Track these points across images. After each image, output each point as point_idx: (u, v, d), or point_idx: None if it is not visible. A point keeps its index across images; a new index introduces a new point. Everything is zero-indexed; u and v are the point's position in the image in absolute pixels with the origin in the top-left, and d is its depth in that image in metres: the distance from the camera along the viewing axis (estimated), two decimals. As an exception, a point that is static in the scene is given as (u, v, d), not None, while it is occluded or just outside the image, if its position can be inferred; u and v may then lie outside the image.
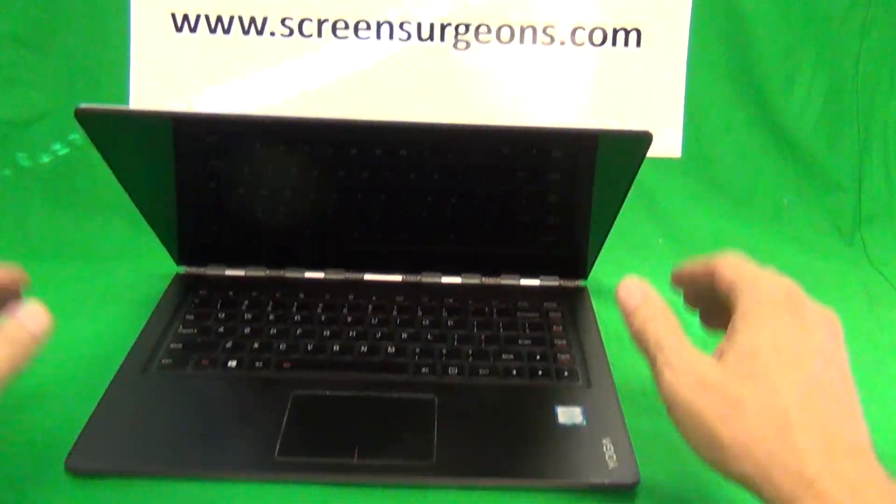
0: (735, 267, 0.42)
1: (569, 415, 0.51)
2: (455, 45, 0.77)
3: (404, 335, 0.59)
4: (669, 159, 0.80)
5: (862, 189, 0.83)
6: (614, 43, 0.77)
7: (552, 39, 0.77)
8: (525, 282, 0.68)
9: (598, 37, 0.77)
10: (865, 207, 0.83)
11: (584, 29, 0.77)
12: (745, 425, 0.35)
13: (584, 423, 0.51)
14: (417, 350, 0.58)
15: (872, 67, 0.82)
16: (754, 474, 0.35)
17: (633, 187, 0.57)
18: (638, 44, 0.77)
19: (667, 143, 0.79)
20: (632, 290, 0.43)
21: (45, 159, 0.77)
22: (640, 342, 0.42)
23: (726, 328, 0.40)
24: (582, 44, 0.77)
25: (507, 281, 0.68)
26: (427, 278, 0.68)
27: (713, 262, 0.44)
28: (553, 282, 0.68)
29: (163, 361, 0.55)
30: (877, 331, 0.69)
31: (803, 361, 0.37)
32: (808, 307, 0.40)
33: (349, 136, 0.60)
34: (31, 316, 0.40)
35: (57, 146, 0.77)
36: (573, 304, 0.65)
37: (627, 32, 0.77)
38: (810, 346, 0.38)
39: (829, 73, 0.82)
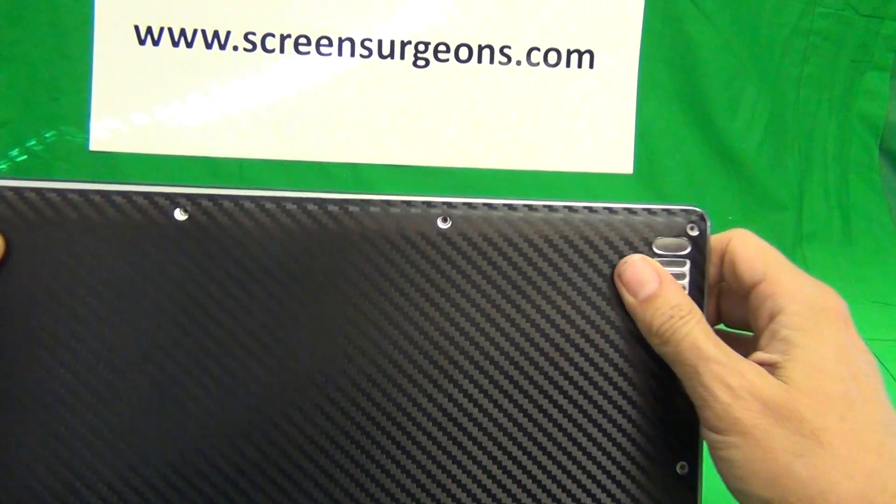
0: (762, 253, 0.32)
1: None
2: (414, 63, 0.78)
3: None
4: (621, 175, 0.83)
5: (803, 208, 0.87)
6: (568, 64, 0.80)
7: (509, 59, 0.79)
8: None
9: (552, 58, 0.80)
10: (806, 225, 0.87)
11: (539, 50, 0.79)
12: (828, 463, 0.28)
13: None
14: None
15: (812, 93, 0.86)
16: None
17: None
18: (591, 65, 0.80)
19: (619, 160, 0.82)
20: (643, 271, 0.32)
21: (2, 166, 0.76)
22: (667, 344, 0.31)
23: (751, 325, 0.33)
24: (537, 64, 0.80)
25: None
26: None
27: (725, 238, 0.33)
28: None
29: None
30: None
31: (877, 392, 0.29)
32: (855, 335, 0.31)
33: None
34: None
35: (14, 152, 0.76)
36: None
37: (581, 54, 0.80)
38: (873, 377, 0.30)
39: (771, 97, 0.85)
